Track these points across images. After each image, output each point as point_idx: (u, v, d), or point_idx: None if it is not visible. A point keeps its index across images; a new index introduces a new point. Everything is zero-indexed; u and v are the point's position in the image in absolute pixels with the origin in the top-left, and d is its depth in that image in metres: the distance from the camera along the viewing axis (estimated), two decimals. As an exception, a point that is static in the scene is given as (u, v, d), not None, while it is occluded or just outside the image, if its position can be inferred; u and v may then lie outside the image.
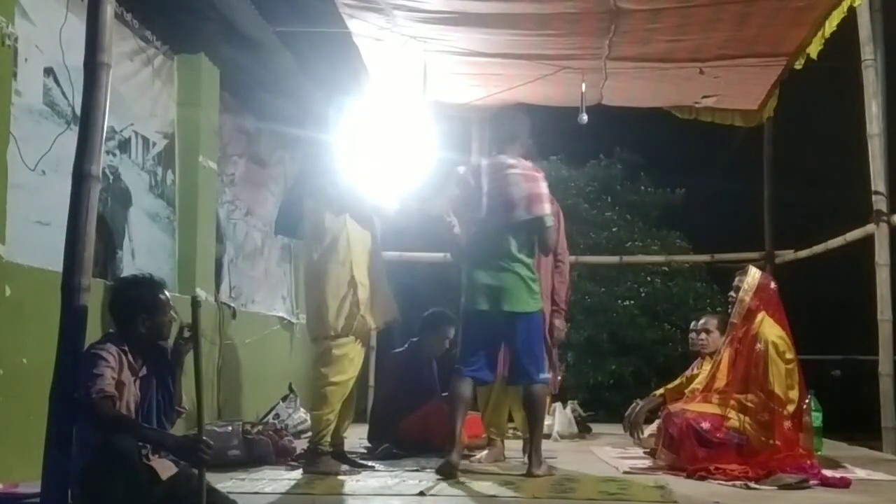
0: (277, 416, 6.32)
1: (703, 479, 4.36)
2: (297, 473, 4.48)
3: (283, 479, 4.32)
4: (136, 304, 3.25)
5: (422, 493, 3.86)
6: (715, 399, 4.80)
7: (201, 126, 6.05)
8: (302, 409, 6.34)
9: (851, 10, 5.42)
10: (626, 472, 4.68)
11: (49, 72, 4.45)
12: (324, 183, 4.62)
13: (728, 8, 5.27)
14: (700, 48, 5.89)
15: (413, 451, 5.24)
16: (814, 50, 5.74)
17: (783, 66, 6.25)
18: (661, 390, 5.63)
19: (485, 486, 4.12)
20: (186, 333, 3.28)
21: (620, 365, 10.35)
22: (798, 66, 6.12)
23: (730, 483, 4.23)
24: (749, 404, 4.64)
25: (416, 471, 4.66)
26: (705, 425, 4.61)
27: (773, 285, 4.93)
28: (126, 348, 3.19)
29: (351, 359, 4.57)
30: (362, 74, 6.49)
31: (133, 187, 5.38)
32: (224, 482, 3.91)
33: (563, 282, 5.36)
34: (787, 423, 4.58)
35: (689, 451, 4.57)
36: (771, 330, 4.72)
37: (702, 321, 5.85)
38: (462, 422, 4.60)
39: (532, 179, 4.58)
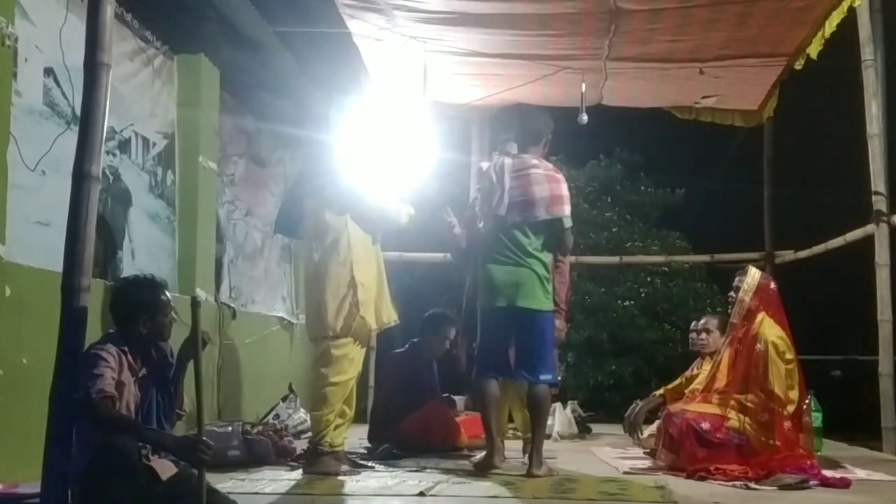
0: (277, 416, 6.32)
1: (703, 479, 4.36)
2: (297, 474, 4.48)
3: (283, 479, 4.32)
4: (138, 304, 3.25)
5: (422, 494, 3.86)
6: (715, 399, 4.80)
7: (201, 126, 6.04)
8: (302, 410, 6.34)
9: (851, 11, 5.42)
10: (626, 473, 4.68)
11: (49, 72, 4.45)
12: (324, 183, 4.62)
13: (728, 8, 5.27)
14: (700, 48, 5.90)
15: (413, 452, 5.23)
16: (814, 50, 5.74)
17: (783, 66, 6.26)
18: (661, 390, 5.64)
19: (485, 487, 4.12)
20: (207, 337, 3.27)
21: (620, 365, 10.35)
22: (798, 66, 6.12)
23: (730, 483, 4.23)
24: (749, 404, 4.64)
25: (416, 471, 4.66)
26: (705, 425, 4.61)
27: (773, 285, 4.93)
28: (126, 349, 3.19)
29: (351, 359, 4.57)
30: (362, 75, 6.49)
31: (133, 187, 5.38)
32: (224, 482, 3.91)
33: (563, 282, 5.36)
34: (787, 424, 4.58)
35: (689, 452, 4.57)
36: (771, 330, 4.72)
37: (702, 321, 5.86)
38: (496, 422, 4.70)
39: (554, 181, 4.65)
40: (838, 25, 5.43)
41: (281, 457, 4.94)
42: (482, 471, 4.52)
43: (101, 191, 3.22)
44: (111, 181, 5.13)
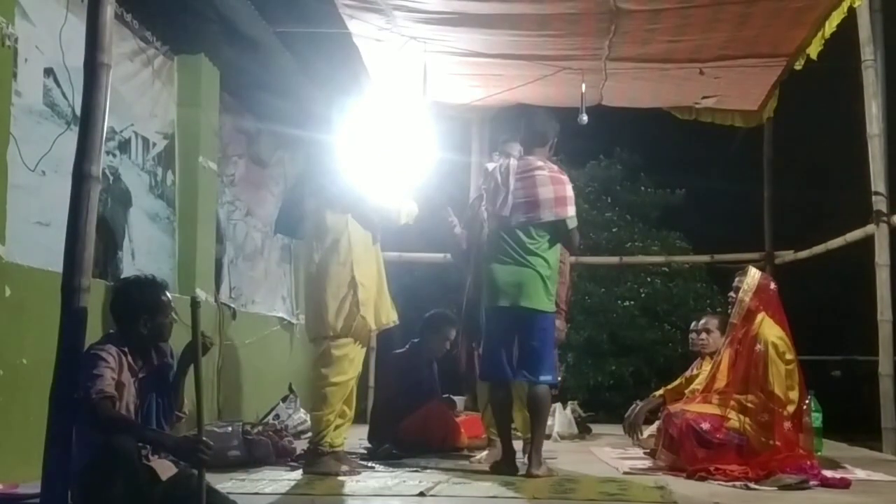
0: (277, 416, 6.32)
1: (703, 479, 4.36)
2: (297, 474, 4.48)
3: (283, 479, 4.32)
4: (138, 305, 3.25)
5: (422, 494, 3.86)
6: (715, 399, 4.80)
7: (201, 126, 6.04)
8: (302, 410, 6.34)
9: (851, 11, 5.42)
10: (625, 473, 4.68)
11: (49, 72, 4.45)
12: (325, 183, 4.62)
13: (728, 8, 5.27)
14: (700, 49, 5.90)
15: (413, 452, 5.24)
16: (814, 50, 5.75)
17: (783, 66, 6.26)
18: (661, 391, 5.64)
19: (485, 487, 4.12)
20: (209, 342, 3.27)
21: (620, 365, 10.36)
22: (798, 66, 6.13)
23: (730, 484, 4.23)
24: (749, 405, 4.64)
25: (416, 471, 4.66)
26: (705, 426, 4.61)
27: (772, 286, 4.93)
28: (126, 349, 3.19)
29: (351, 359, 4.57)
30: (362, 75, 6.49)
31: (133, 188, 5.38)
32: (224, 482, 3.91)
33: (562, 282, 5.36)
34: (787, 424, 4.58)
35: (689, 452, 4.57)
36: (771, 330, 4.72)
37: (702, 321, 5.86)
38: (508, 426, 4.75)
39: (559, 182, 4.67)
40: (838, 25, 5.43)
41: (281, 457, 4.94)
42: (495, 473, 4.53)
43: (101, 191, 3.22)
44: (111, 181, 5.13)
